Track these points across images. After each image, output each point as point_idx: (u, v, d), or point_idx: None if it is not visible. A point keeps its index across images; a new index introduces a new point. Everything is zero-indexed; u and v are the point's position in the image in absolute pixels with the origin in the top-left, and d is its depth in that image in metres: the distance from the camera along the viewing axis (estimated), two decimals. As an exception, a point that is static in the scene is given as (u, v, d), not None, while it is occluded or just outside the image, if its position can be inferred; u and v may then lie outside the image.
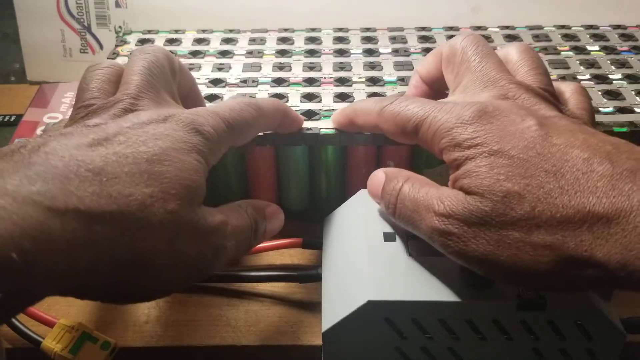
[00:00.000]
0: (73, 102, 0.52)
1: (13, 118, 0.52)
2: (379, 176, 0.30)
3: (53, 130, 0.27)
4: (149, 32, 0.49)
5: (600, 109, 0.38)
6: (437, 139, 0.28)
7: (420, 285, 0.27)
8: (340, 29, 0.49)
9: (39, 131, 0.49)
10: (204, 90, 0.41)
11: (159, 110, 0.28)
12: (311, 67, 0.43)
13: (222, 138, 0.28)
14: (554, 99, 0.29)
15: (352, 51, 0.45)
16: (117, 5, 0.56)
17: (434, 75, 0.34)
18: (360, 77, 0.42)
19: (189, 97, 0.34)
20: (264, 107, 0.32)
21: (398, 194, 0.28)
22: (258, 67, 0.43)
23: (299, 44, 0.47)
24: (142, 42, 0.47)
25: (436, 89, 0.35)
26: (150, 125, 0.26)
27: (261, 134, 0.35)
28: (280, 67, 0.43)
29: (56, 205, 0.21)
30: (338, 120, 0.36)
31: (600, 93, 0.39)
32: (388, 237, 0.30)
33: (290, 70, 0.43)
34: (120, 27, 0.57)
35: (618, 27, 0.48)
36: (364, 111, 0.33)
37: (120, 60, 0.45)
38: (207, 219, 0.26)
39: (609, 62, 0.43)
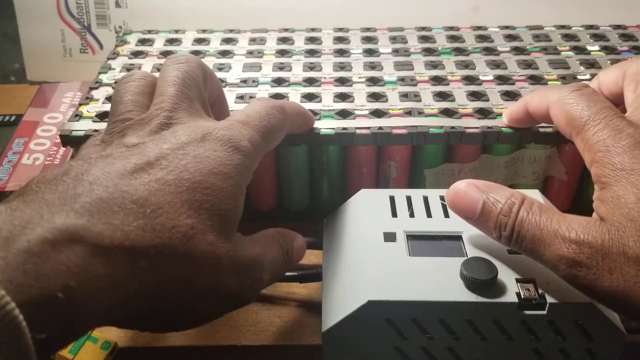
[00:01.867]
0: (73, 102, 0.53)
1: (13, 118, 0.52)
2: (471, 194, 0.27)
3: (89, 147, 0.27)
4: (149, 32, 0.49)
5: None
6: (595, 149, 0.27)
7: (420, 285, 0.27)
8: (340, 29, 0.49)
9: (39, 131, 0.49)
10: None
11: (194, 125, 0.27)
12: (311, 67, 0.43)
13: (258, 150, 0.28)
14: None
15: (352, 51, 0.45)
16: (117, 5, 0.56)
17: (612, 89, 0.32)
18: (360, 77, 0.42)
19: (215, 103, 0.34)
20: (287, 109, 0.32)
21: (516, 219, 0.26)
22: (258, 67, 0.43)
23: (299, 44, 0.47)
24: (142, 42, 0.47)
25: (613, 101, 0.33)
26: (189, 145, 0.26)
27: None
28: (281, 67, 0.43)
29: (102, 242, 0.21)
30: (510, 114, 0.35)
31: (600, 93, 0.39)
32: (388, 237, 0.30)
33: (290, 70, 0.43)
34: (120, 27, 0.57)
35: (618, 27, 0.48)
36: (540, 95, 0.32)
37: (120, 60, 0.45)
38: (245, 250, 0.26)
39: (609, 62, 0.43)
